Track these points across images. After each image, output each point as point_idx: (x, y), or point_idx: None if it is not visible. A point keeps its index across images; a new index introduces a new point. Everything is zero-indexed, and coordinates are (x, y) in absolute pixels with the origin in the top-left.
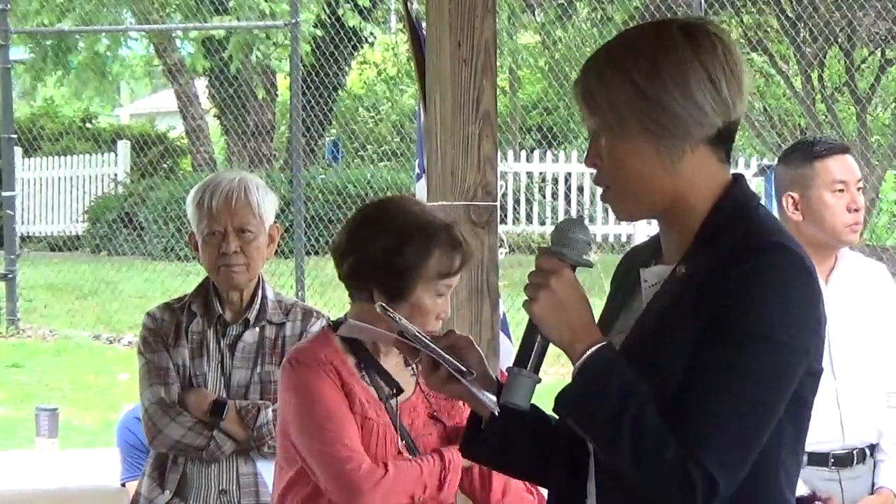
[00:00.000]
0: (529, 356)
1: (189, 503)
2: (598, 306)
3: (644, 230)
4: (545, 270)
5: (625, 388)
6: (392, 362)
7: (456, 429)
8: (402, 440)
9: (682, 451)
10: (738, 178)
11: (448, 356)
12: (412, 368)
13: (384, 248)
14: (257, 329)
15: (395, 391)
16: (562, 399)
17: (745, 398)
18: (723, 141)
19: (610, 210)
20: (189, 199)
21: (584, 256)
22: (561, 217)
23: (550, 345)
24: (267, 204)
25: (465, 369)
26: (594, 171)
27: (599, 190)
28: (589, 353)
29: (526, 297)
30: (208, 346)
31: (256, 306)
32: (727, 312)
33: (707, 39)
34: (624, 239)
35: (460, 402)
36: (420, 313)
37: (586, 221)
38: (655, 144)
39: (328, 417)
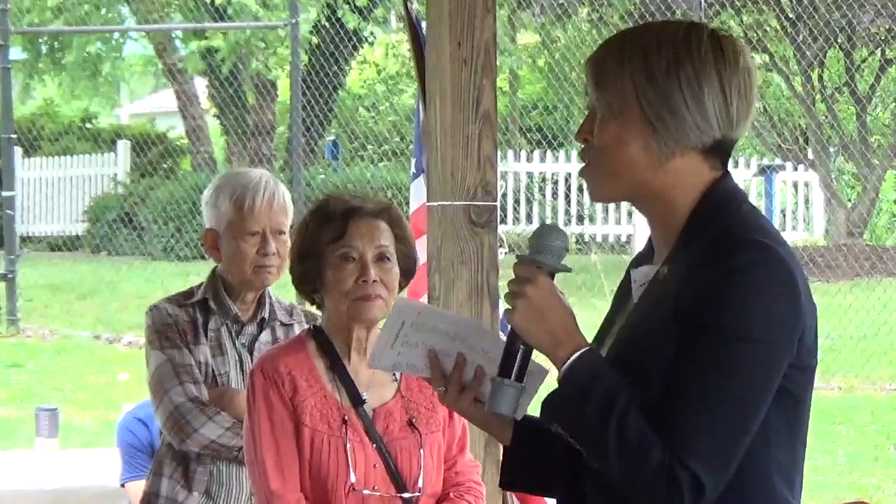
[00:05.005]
0: (512, 365)
1: None
2: (598, 307)
3: (644, 230)
4: (522, 279)
5: (608, 392)
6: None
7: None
8: (374, 444)
9: (668, 455)
10: (722, 177)
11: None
12: (394, 374)
13: (294, 249)
14: (269, 329)
15: (359, 400)
16: (547, 405)
17: (726, 398)
18: (717, 153)
19: (610, 210)
20: (217, 196)
21: (562, 262)
22: (561, 217)
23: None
24: (291, 205)
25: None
26: (582, 145)
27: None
28: (572, 359)
29: (506, 307)
30: (224, 345)
31: (267, 306)
32: (705, 313)
33: (733, 54)
34: (624, 239)
35: (439, 413)
36: (336, 289)
37: (586, 221)
38: (649, 138)
39: (269, 449)
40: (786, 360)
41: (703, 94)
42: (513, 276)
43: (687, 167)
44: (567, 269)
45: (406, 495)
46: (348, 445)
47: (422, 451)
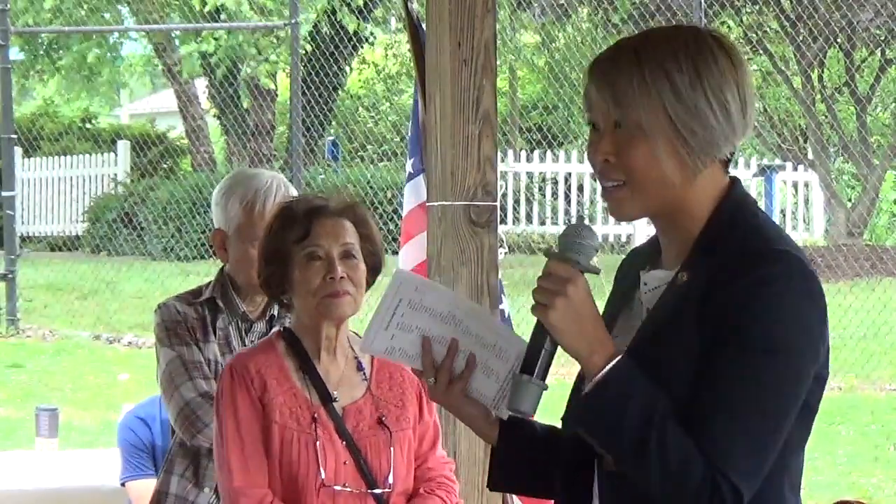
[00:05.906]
0: (536, 362)
1: None
2: (597, 307)
3: (644, 230)
4: (560, 277)
5: (648, 404)
6: (339, 366)
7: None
8: (343, 442)
9: (709, 468)
10: (735, 183)
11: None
12: (363, 373)
13: (260, 252)
14: (278, 327)
15: (329, 398)
16: (579, 414)
17: (761, 409)
18: (729, 160)
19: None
20: (227, 198)
21: (592, 262)
22: (561, 217)
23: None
24: None
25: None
26: (603, 164)
27: (599, 190)
28: (609, 367)
29: (536, 303)
30: (233, 343)
31: (276, 305)
32: (736, 324)
33: (738, 58)
34: (624, 239)
35: (409, 411)
36: (304, 288)
37: (586, 222)
38: (682, 153)
39: (234, 447)
40: (813, 371)
41: (729, 103)
42: (543, 273)
43: (710, 177)
44: (597, 271)
45: (377, 491)
46: (318, 442)
47: (392, 448)
